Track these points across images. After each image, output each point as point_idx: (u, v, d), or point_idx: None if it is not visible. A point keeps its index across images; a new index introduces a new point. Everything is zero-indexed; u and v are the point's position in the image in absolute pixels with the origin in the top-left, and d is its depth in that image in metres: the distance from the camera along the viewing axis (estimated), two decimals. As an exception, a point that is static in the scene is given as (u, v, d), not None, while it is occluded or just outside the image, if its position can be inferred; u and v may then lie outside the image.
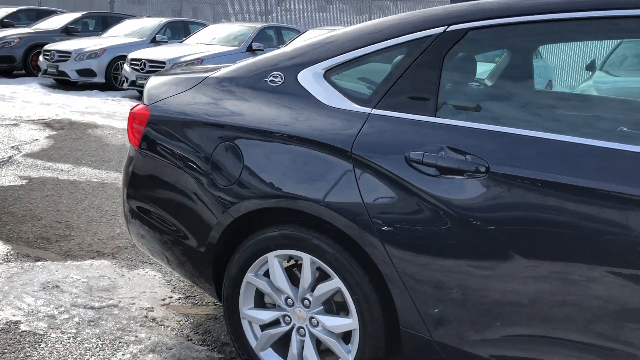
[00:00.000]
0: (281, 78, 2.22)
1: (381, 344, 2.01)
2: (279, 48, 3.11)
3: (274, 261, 2.17)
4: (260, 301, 2.30)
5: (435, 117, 1.89)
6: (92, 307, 2.81)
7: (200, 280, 2.42)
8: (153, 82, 2.63)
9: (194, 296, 3.04)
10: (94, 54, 11.18)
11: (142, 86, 3.62)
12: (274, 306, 2.28)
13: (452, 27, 1.93)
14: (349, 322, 2.04)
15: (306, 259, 2.09)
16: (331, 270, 2.03)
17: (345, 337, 2.10)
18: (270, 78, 2.24)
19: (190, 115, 2.35)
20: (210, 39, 11.63)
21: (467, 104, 1.97)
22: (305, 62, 2.19)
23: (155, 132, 2.43)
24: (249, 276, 2.22)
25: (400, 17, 2.10)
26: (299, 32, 12.44)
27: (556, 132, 1.71)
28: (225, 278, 2.29)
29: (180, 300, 2.99)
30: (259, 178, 2.12)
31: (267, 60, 2.34)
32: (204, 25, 13.20)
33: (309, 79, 2.15)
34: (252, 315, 2.26)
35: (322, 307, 2.12)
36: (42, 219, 4.02)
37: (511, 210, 1.71)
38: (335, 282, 2.04)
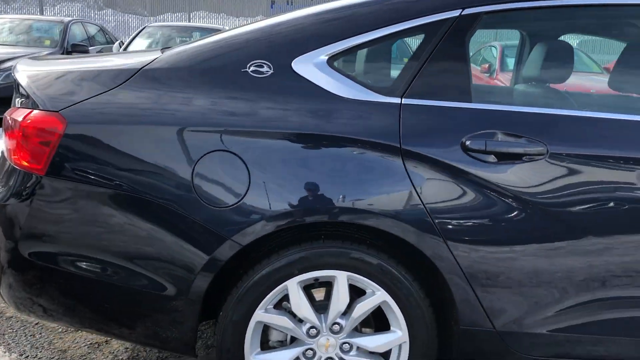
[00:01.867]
0: (269, 67, 1.82)
1: (433, 351, 1.86)
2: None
3: (296, 289, 1.79)
4: (265, 342, 1.88)
5: (472, 103, 1.82)
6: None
7: (164, 339, 1.84)
8: (39, 79, 1.87)
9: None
10: None
11: None
12: (281, 343, 1.90)
13: (467, 11, 1.87)
14: (399, 336, 1.83)
15: (342, 277, 1.79)
16: (374, 284, 1.79)
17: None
18: (253, 68, 1.82)
19: (143, 121, 1.75)
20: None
21: (501, 89, 1.94)
22: (299, 47, 1.84)
23: (79, 148, 1.74)
24: (260, 314, 1.80)
25: None
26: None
27: (594, 110, 1.83)
28: (220, 325, 1.80)
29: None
30: (278, 191, 1.72)
31: (231, 46, 1.88)
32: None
33: (310, 67, 1.82)
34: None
35: (355, 329, 1.86)
36: None
37: (574, 189, 1.77)
38: (380, 296, 1.80)
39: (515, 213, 1.76)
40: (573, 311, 1.85)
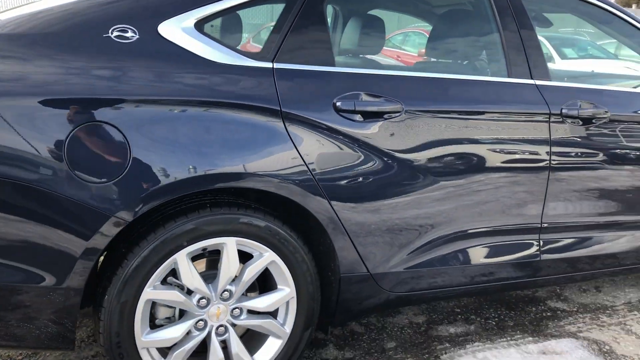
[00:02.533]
0: (134, 32, 1.71)
1: (317, 304, 1.97)
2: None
3: (186, 261, 1.75)
4: (151, 321, 1.81)
5: (335, 67, 1.93)
6: None
7: (41, 337, 1.67)
8: None
9: None
10: None
11: None
12: (169, 320, 1.84)
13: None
14: (287, 293, 1.90)
15: (231, 243, 1.79)
16: (263, 246, 1.83)
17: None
18: (116, 33, 1.69)
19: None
20: None
21: (364, 54, 2.06)
22: (162, 11, 1.75)
23: None
24: (149, 292, 1.72)
25: None
26: None
27: (441, 72, 2.07)
28: (107, 309, 1.69)
29: None
30: (160, 161, 1.64)
31: (82, 10, 1.72)
32: None
33: (178, 32, 1.75)
34: (157, 339, 1.77)
35: (244, 292, 1.88)
36: None
37: (425, 141, 1.99)
38: (268, 257, 1.85)
39: (381, 166, 1.93)
40: (422, 250, 2.10)
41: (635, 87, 2.64)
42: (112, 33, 1.68)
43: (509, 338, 2.46)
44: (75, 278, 1.62)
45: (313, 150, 1.82)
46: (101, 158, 1.59)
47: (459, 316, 2.63)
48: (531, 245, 2.30)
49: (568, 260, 2.40)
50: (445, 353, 2.32)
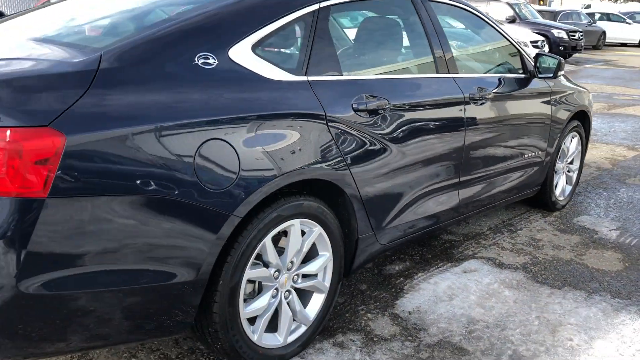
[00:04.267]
0: (214, 59, 2.02)
1: (343, 261, 2.52)
2: None
3: (270, 243, 2.16)
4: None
5: (343, 75, 2.45)
6: None
7: (170, 326, 1.96)
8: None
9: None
10: None
11: None
12: (251, 295, 2.24)
13: (323, 4, 2.44)
14: (328, 256, 2.42)
15: (297, 223, 2.24)
16: (314, 222, 2.31)
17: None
18: (202, 60, 1.99)
19: (131, 123, 1.74)
20: None
21: (361, 63, 2.56)
22: (228, 39, 2.08)
23: (83, 162, 1.64)
24: (248, 272, 2.11)
25: None
26: None
27: (414, 73, 2.71)
28: (221, 291, 2.03)
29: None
30: (258, 165, 2.02)
31: (166, 37, 1.96)
32: None
33: (244, 56, 2.10)
34: (252, 310, 2.17)
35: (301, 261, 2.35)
36: None
37: (405, 126, 2.64)
38: (317, 231, 2.34)
39: (382, 148, 2.53)
40: (400, 209, 2.77)
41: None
42: (198, 60, 1.98)
43: (436, 266, 3.29)
44: (203, 272, 1.94)
45: (343, 142, 2.34)
46: (220, 169, 1.92)
47: (393, 257, 3.38)
48: (455, 194, 3.13)
49: (472, 202, 3.30)
50: (405, 285, 3.05)
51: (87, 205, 1.66)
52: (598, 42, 22.45)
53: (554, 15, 20.65)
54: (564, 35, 16.46)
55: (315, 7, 2.40)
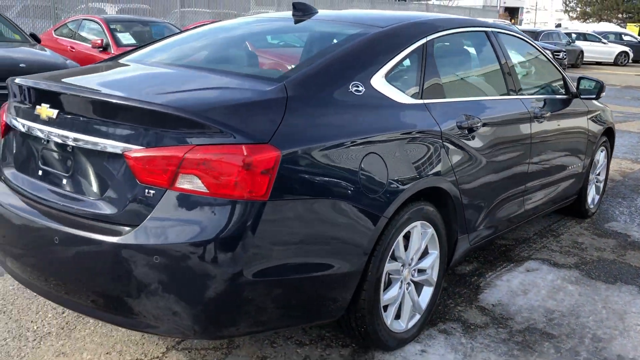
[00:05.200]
0: (362, 87, 2.40)
1: (445, 259, 2.90)
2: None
3: (401, 240, 2.54)
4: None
5: (446, 98, 2.85)
6: None
7: (326, 311, 2.32)
8: (218, 107, 1.97)
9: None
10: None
11: None
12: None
13: (431, 36, 2.85)
14: (436, 254, 2.80)
15: (419, 225, 2.62)
16: (428, 224, 2.70)
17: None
18: (354, 88, 2.37)
19: (320, 139, 2.12)
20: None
21: (457, 87, 2.97)
22: (370, 70, 2.47)
23: (290, 171, 2.01)
24: (387, 265, 2.48)
25: (401, 27, 2.73)
26: None
27: (494, 95, 3.14)
28: (368, 281, 2.39)
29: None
30: (399, 174, 2.41)
31: (330, 69, 2.35)
32: None
33: (381, 84, 2.49)
34: (387, 298, 2.53)
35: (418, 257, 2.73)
36: None
37: (493, 138, 3.05)
38: (431, 232, 2.72)
39: (476, 160, 2.94)
40: (487, 212, 3.17)
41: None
42: (352, 88, 2.37)
43: (501, 266, 3.69)
44: (360, 263, 2.30)
45: (452, 155, 2.74)
46: (376, 178, 2.30)
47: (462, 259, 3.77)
48: (522, 201, 3.54)
49: (532, 208, 3.72)
50: (480, 282, 3.44)
51: (294, 206, 2.03)
52: (577, 60, 23.38)
53: (535, 35, 21.52)
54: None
55: (424, 40, 2.81)
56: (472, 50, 3.38)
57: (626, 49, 27.01)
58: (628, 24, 44.37)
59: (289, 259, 2.08)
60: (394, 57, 2.62)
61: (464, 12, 33.60)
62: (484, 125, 2.99)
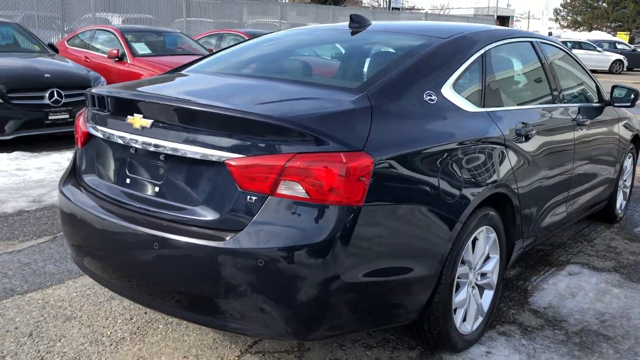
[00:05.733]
0: (435, 96, 2.49)
1: (504, 263, 2.99)
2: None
3: (469, 245, 2.61)
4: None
5: (504, 106, 2.95)
6: None
7: (404, 313, 2.39)
8: (320, 118, 2.06)
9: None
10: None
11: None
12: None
13: (488, 47, 2.95)
14: (497, 258, 2.88)
15: (484, 230, 2.71)
16: (492, 229, 2.78)
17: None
18: (428, 97, 2.46)
19: (403, 147, 2.21)
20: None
21: (511, 95, 3.06)
22: (440, 80, 2.56)
23: (380, 178, 2.09)
24: (458, 269, 2.55)
25: (462, 38, 2.83)
26: None
27: (542, 103, 3.24)
28: (442, 284, 2.46)
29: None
30: (473, 182, 2.49)
31: (404, 81, 2.44)
32: None
33: (450, 93, 2.58)
34: (458, 301, 2.61)
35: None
36: None
37: (544, 147, 3.15)
38: (494, 237, 2.81)
39: (531, 167, 3.03)
40: (538, 217, 3.26)
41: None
42: (425, 97, 2.45)
43: (544, 271, 3.78)
44: (438, 267, 2.38)
45: (512, 161, 2.83)
46: (453, 184, 2.38)
47: (503, 264, 3.85)
48: (564, 206, 3.64)
49: (573, 212, 3.82)
50: (527, 286, 3.53)
51: (383, 211, 2.11)
52: (573, 69, 23.61)
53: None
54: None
55: (482, 51, 2.91)
56: (521, 59, 3.48)
57: (620, 57, 27.36)
58: (618, 32, 44.93)
59: (377, 263, 2.15)
60: (460, 66, 2.71)
61: (461, 20, 33.96)
62: (537, 133, 3.09)
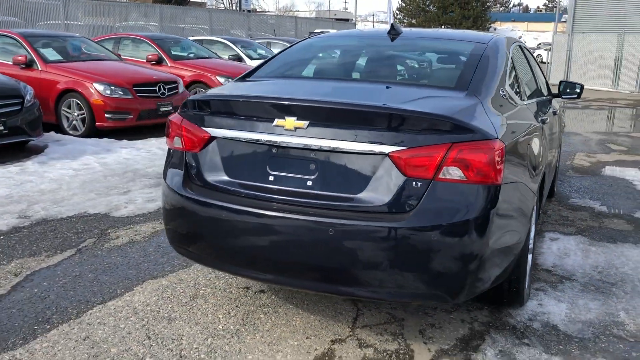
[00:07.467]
0: (504, 92, 2.98)
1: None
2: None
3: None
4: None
5: (527, 100, 3.53)
6: None
7: (505, 274, 2.86)
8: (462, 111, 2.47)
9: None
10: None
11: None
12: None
13: (509, 49, 3.50)
14: (534, 224, 3.45)
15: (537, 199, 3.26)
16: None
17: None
18: (502, 93, 2.94)
19: (513, 134, 2.68)
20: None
21: (526, 91, 3.63)
22: (504, 77, 3.06)
23: (507, 161, 2.53)
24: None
25: (497, 40, 3.35)
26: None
27: (542, 96, 3.87)
28: (525, 249, 2.97)
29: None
30: (539, 158, 3.06)
31: (489, 80, 2.89)
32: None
33: (509, 89, 3.09)
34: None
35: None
36: None
37: (549, 129, 3.78)
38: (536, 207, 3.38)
39: (545, 147, 3.65)
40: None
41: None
42: (501, 93, 2.94)
43: (529, 239, 4.46)
44: (526, 231, 2.88)
45: (544, 143, 3.43)
46: (526, 164, 2.90)
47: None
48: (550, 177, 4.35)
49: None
50: (527, 252, 4.17)
51: (508, 188, 2.56)
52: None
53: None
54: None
55: (509, 53, 3.47)
56: (524, 59, 4.11)
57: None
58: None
59: (505, 231, 2.59)
60: (506, 67, 3.24)
61: (307, 22, 35.14)
62: (542, 121, 3.73)
